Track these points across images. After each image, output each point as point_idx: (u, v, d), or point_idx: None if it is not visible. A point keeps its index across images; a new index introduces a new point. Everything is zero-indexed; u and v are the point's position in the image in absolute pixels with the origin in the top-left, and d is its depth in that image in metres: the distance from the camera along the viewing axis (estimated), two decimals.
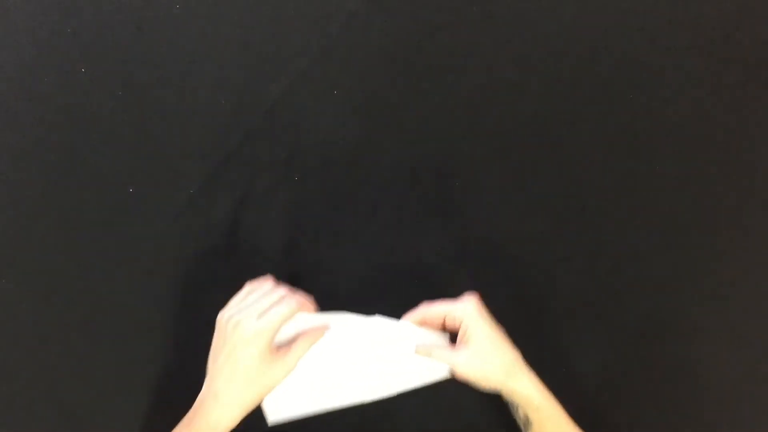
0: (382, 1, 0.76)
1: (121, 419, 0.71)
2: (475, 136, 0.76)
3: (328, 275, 0.74)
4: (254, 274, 0.70)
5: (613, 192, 0.76)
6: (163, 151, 0.74)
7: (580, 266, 0.75)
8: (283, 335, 0.60)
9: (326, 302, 0.64)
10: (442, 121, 0.76)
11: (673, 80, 0.77)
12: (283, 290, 0.60)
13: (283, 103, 0.75)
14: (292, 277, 0.72)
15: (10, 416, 0.72)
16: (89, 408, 0.72)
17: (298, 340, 0.60)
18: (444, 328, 0.66)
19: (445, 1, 0.76)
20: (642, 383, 0.73)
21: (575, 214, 0.75)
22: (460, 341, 0.63)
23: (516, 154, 0.76)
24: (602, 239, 0.75)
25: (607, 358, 0.74)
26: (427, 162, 0.76)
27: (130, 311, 0.73)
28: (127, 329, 0.73)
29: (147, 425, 0.71)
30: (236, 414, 0.57)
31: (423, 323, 0.65)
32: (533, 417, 0.62)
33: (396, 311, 0.66)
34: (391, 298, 0.71)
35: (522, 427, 0.65)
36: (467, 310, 0.62)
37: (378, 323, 0.64)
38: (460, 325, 0.63)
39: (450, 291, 0.66)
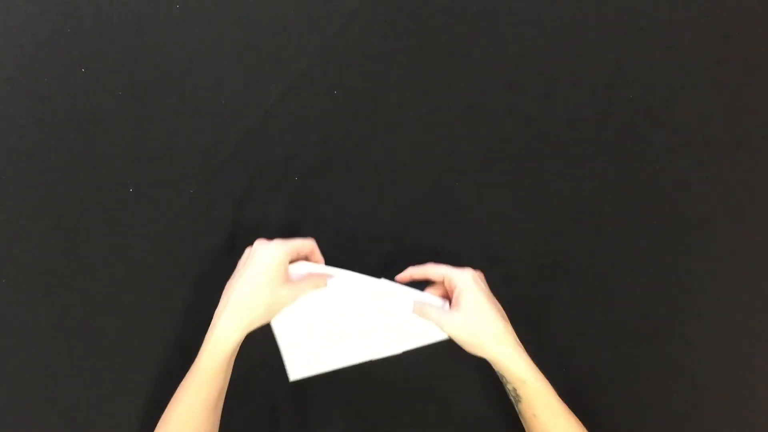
0: (382, 1, 0.76)
1: (121, 419, 0.71)
2: (475, 136, 0.76)
3: None
4: None
5: (613, 192, 0.76)
6: (163, 151, 0.74)
7: (580, 266, 0.75)
8: (293, 277, 0.66)
9: None
10: (442, 121, 0.76)
11: (673, 80, 0.77)
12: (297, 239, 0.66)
13: (283, 103, 0.75)
14: None
15: (10, 416, 0.72)
16: (89, 408, 0.72)
17: (306, 278, 0.66)
18: (446, 295, 0.68)
19: (445, 1, 0.76)
20: (642, 383, 0.73)
21: (575, 214, 0.75)
22: (452, 305, 0.65)
23: (516, 154, 0.76)
24: (602, 239, 0.75)
25: (607, 358, 0.74)
26: (427, 162, 0.76)
27: (130, 311, 0.73)
28: (127, 329, 0.73)
29: (147, 425, 0.71)
30: (245, 323, 0.62)
31: (425, 279, 0.68)
32: (521, 391, 0.63)
33: None
34: None
35: (513, 402, 0.65)
36: (462, 277, 0.65)
37: (383, 285, 0.68)
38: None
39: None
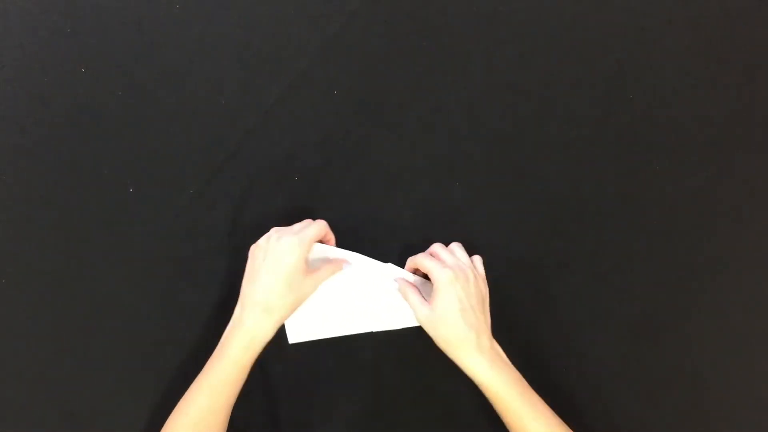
0: (382, 1, 0.76)
1: (121, 419, 0.71)
2: (475, 136, 0.76)
3: None
4: None
5: (613, 192, 0.76)
6: (163, 151, 0.74)
7: (580, 266, 0.75)
8: (310, 262, 0.68)
9: None
10: (442, 121, 0.76)
11: (674, 80, 0.77)
12: (307, 221, 0.68)
13: (283, 103, 0.75)
14: None
15: (10, 416, 0.72)
16: (89, 408, 0.72)
17: (323, 266, 0.68)
18: None
19: (445, 1, 0.76)
20: (642, 383, 0.73)
21: (575, 214, 0.75)
22: (430, 299, 0.67)
23: (516, 154, 0.76)
24: (602, 239, 0.75)
25: (607, 358, 0.74)
26: (427, 162, 0.76)
27: (130, 311, 0.73)
28: (128, 329, 0.73)
29: (147, 425, 0.71)
30: (275, 320, 0.64)
31: (416, 269, 0.71)
32: (486, 394, 0.65)
33: None
34: None
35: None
36: (441, 276, 0.65)
37: (389, 268, 0.71)
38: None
39: None
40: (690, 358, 0.74)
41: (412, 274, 0.72)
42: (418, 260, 0.69)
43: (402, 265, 0.72)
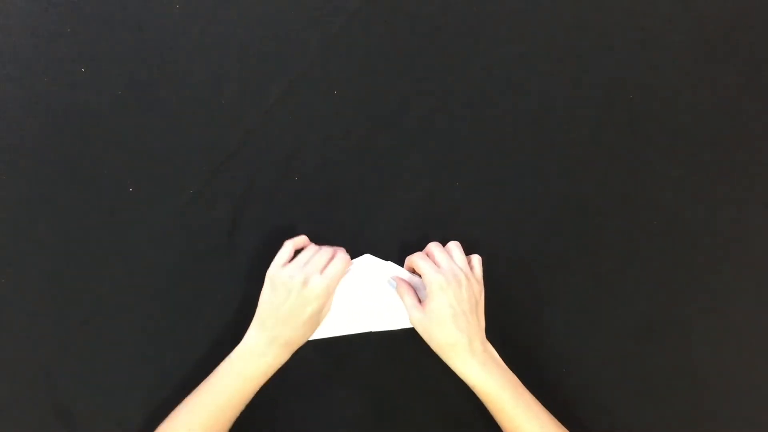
0: (382, 1, 0.76)
1: (121, 419, 0.71)
2: (475, 136, 0.76)
3: None
4: (254, 274, 0.70)
5: (613, 192, 0.76)
6: (163, 151, 0.74)
7: (580, 266, 0.75)
8: None
9: None
10: (442, 121, 0.76)
11: (674, 80, 0.77)
12: (329, 249, 0.69)
13: (283, 103, 0.75)
14: None
15: (9, 416, 0.72)
16: (89, 408, 0.72)
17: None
18: None
19: (445, 1, 0.76)
20: (642, 383, 0.73)
21: (575, 215, 0.75)
22: (423, 302, 0.67)
23: (516, 154, 0.76)
24: (602, 239, 0.75)
25: (607, 358, 0.74)
26: (427, 162, 0.76)
27: (130, 311, 0.73)
28: (127, 329, 0.73)
29: (147, 425, 0.71)
30: (289, 354, 0.67)
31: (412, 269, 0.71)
32: (479, 396, 0.66)
33: None
34: None
35: None
36: (433, 281, 0.65)
37: (389, 267, 0.73)
38: None
39: None
40: (690, 358, 0.74)
41: (411, 274, 0.72)
42: (414, 260, 0.69)
43: (401, 264, 0.73)
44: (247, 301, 0.70)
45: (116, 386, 0.72)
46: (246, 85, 0.75)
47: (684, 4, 0.77)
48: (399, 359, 0.73)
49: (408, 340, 0.71)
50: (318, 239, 0.72)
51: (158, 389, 0.72)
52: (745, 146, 0.76)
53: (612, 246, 0.75)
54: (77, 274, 0.73)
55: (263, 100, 0.75)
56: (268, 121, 0.75)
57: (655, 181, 0.76)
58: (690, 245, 0.75)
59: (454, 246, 0.70)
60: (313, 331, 0.68)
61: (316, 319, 0.67)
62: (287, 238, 0.70)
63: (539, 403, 0.65)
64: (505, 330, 0.72)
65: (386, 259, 0.73)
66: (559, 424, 0.65)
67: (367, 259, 0.72)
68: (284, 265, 0.67)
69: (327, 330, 0.71)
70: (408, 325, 0.70)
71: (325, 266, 0.67)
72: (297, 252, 0.70)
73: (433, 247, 0.70)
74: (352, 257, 0.72)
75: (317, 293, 0.65)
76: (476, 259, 0.70)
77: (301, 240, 0.70)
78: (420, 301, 0.68)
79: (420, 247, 0.72)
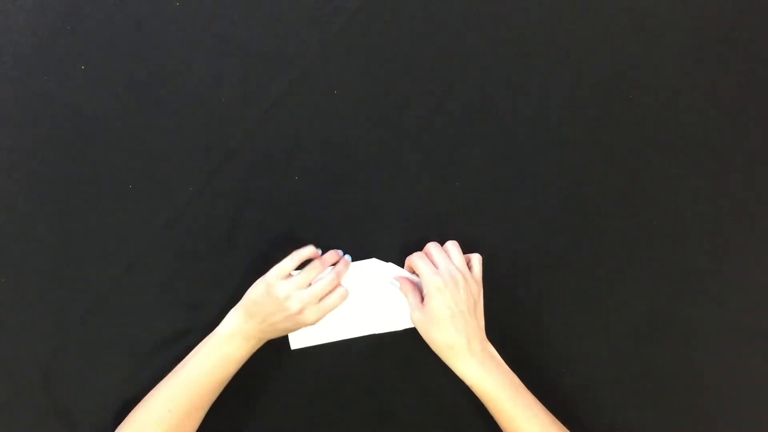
0: (382, 1, 0.76)
1: (121, 419, 0.71)
2: (475, 136, 0.76)
3: None
4: (254, 274, 0.70)
5: (613, 192, 0.76)
6: (162, 150, 0.74)
7: (580, 266, 0.75)
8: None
9: None
10: (442, 121, 0.76)
11: (673, 80, 0.77)
12: (333, 276, 0.69)
13: (283, 103, 0.75)
14: None
15: (9, 416, 0.72)
16: (89, 408, 0.72)
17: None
18: None
19: (445, 1, 0.76)
20: (642, 383, 0.73)
21: (575, 215, 0.75)
22: (423, 302, 0.68)
23: (516, 154, 0.76)
24: (602, 239, 0.75)
25: (607, 358, 0.74)
26: (427, 162, 0.76)
27: (129, 311, 0.73)
28: (127, 329, 0.73)
29: None
30: (261, 344, 0.69)
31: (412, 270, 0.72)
32: (477, 395, 0.66)
33: None
34: None
35: None
36: (430, 283, 0.66)
37: (390, 268, 0.73)
38: None
39: None
40: (690, 358, 0.74)
41: (411, 274, 0.72)
42: (413, 260, 0.69)
43: (401, 265, 0.73)
44: None
45: (116, 386, 0.72)
46: (246, 85, 0.75)
47: (684, 4, 0.77)
48: (399, 359, 0.73)
49: (408, 340, 0.71)
50: (318, 239, 0.72)
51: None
52: (745, 146, 0.76)
53: (612, 246, 0.75)
54: (77, 273, 0.73)
55: (263, 100, 0.75)
56: (268, 121, 0.75)
57: (655, 181, 0.76)
58: (690, 245, 0.75)
59: (453, 246, 0.70)
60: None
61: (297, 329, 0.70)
62: (287, 238, 0.70)
63: (539, 403, 0.65)
64: (505, 330, 0.72)
65: (386, 259, 0.73)
66: (559, 423, 0.65)
67: (369, 262, 0.72)
68: (285, 277, 0.67)
69: (330, 334, 0.71)
70: (410, 326, 0.70)
71: (323, 297, 0.68)
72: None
73: (432, 247, 0.70)
74: (353, 258, 0.72)
75: (309, 322, 0.68)
76: (476, 259, 0.70)
77: (307, 252, 0.69)
78: (422, 300, 0.68)
79: (420, 247, 0.72)
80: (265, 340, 0.69)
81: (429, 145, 0.76)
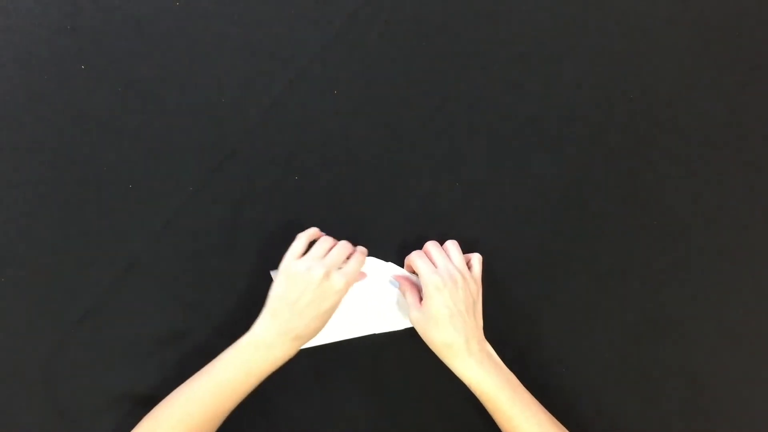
0: (382, 1, 0.76)
1: (120, 419, 0.71)
2: (475, 135, 0.76)
3: None
4: (254, 274, 0.70)
5: (613, 192, 0.76)
6: (162, 150, 0.74)
7: (580, 266, 0.75)
8: None
9: None
10: (442, 121, 0.76)
11: (674, 80, 0.77)
12: (346, 244, 0.69)
13: (283, 103, 0.75)
14: None
15: (9, 416, 0.72)
16: (89, 408, 0.72)
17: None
18: None
19: (445, 1, 0.76)
20: (642, 383, 0.73)
21: (575, 215, 0.76)
22: (422, 301, 0.67)
23: (516, 154, 0.76)
24: (602, 239, 0.75)
25: (607, 358, 0.74)
26: (427, 162, 0.76)
27: (129, 311, 0.73)
28: (127, 329, 0.73)
29: None
30: (297, 349, 0.66)
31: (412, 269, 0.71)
32: (476, 395, 0.66)
33: None
34: None
35: None
36: (429, 282, 0.66)
37: (390, 267, 0.73)
38: None
39: None
40: (690, 358, 0.74)
41: (410, 274, 0.72)
42: (412, 259, 0.69)
43: (401, 264, 0.73)
44: (247, 301, 0.70)
45: (116, 386, 0.72)
46: (246, 85, 0.75)
47: (684, 4, 0.77)
48: (399, 359, 0.73)
49: (408, 340, 0.71)
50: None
51: (158, 389, 0.72)
52: (745, 146, 0.76)
53: (612, 246, 0.75)
54: (77, 273, 0.73)
55: (263, 100, 0.75)
56: (268, 121, 0.75)
57: (655, 181, 0.76)
58: (690, 245, 0.75)
59: (452, 245, 0.70)
60: (323, 325, 0.67)
61: (330, 314, 0.67)
62: (287, 238, 0.70)
63: (538, 403, 0.65)
64: (505, 330, 0.72)
65: (386, 259, 0.73)
66: (558, 423, 0.65)
67: (369, 261, 0.72)
68: (299, 257, 0.67)
69: (330, 335, 0.71)
70: (410, 325, 0.70)
71: (344, 262, 0.67)
72: (310, 243, 0.69)
73: (431, 246, 0.70)
74: None
75: (338, 288, 0.65)
76: (476, 258, 0.70)
77: (313, 232, 0.70)
78: (421, 300, 0.68)
79: (419, 246, 0.72)
80: (297, 344, 0.65)
81: (429, 145, 0.76)
